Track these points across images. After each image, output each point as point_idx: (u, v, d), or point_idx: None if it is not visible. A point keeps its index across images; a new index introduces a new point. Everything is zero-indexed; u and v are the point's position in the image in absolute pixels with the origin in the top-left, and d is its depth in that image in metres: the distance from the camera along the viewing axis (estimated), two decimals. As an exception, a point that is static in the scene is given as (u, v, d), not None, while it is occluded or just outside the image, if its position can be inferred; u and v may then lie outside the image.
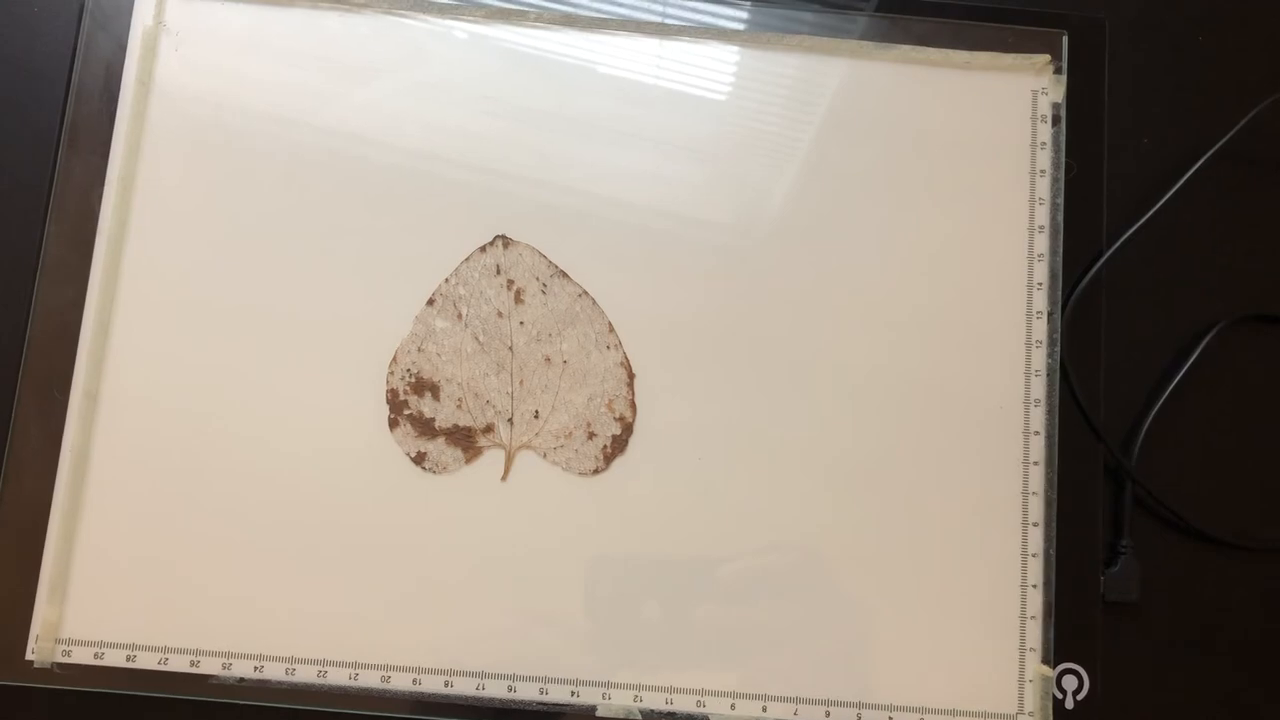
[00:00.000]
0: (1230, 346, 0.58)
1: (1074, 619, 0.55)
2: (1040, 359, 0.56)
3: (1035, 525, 0.55)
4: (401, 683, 0.52)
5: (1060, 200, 0.57)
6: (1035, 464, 0.56)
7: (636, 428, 0.55)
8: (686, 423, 0.55)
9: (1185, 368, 0.57)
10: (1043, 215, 0.57)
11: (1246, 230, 0.59)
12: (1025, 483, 0.56)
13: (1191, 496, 0.56)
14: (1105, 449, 0.56)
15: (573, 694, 0.53)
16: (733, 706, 0.53)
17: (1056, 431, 0.56)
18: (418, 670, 0.52)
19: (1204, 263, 0.59)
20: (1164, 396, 0.57)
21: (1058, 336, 0.56)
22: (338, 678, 0.52)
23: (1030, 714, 0.53)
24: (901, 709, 0.53)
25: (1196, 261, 0.59)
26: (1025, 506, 0.55)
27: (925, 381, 0.56)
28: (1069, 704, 0.54)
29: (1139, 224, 0.57)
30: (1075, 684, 0.54)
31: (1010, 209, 0.57)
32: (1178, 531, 0.57)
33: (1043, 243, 0.57)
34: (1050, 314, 0.56)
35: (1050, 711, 0.53)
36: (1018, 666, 0.54)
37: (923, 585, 0.54)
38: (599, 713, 0.53)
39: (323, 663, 0.52)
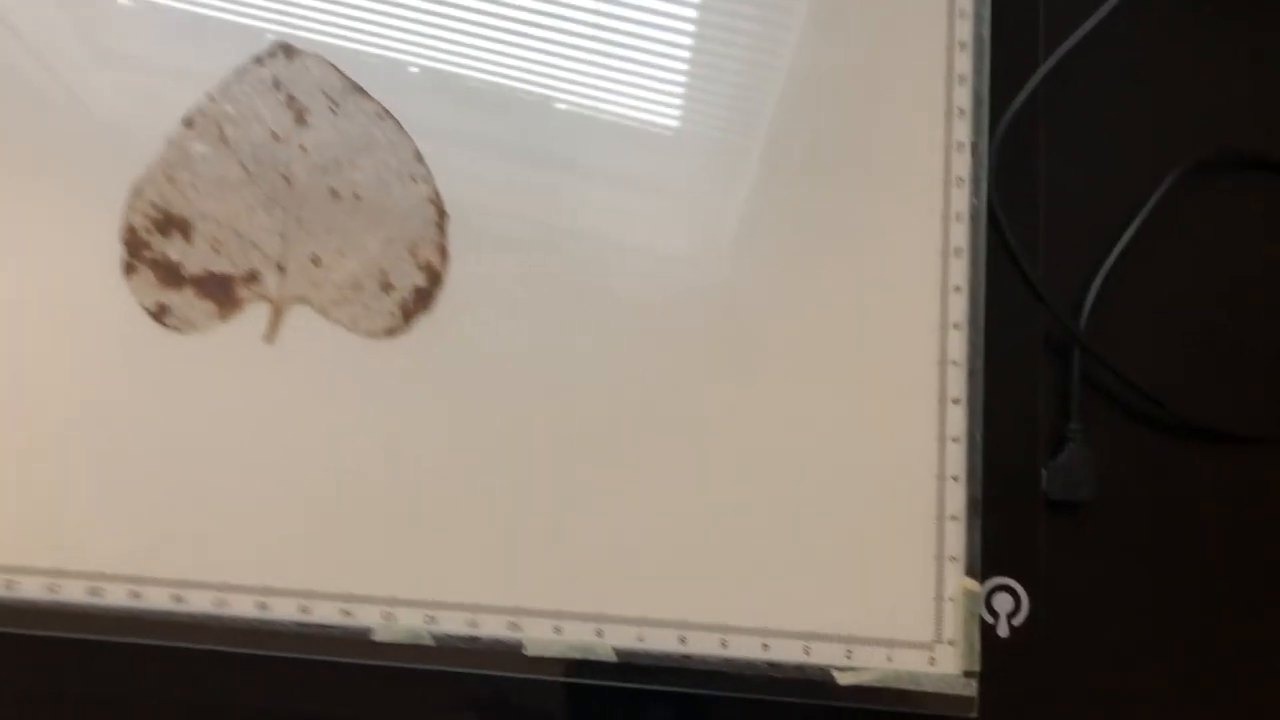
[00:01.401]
0: (1195, 192, 0.48)
1: (1009, 523, 0.43)
2: (962, 199, 0.46)
3: (956, 402, 0.44)
4: (117, 597, 0.41)
5: (986, 11, 0.47)
6: (955, 327, 0.45)
7: (448, 280, 0.44)
8: (513, 275, 0.44)
9: (1140, 218, 0.47)
10: (964, 30, 0.47)
11: (1211, 52, 0.49)
12: (942, 349, 0.45)
13: (1151, 374, 0.45)
14: (1046, 311, 0.45)
15: (344, 613, 0.41)
16: (558, 630, 0.41)
17: (983, 288, 0.45)
18: (137, 581, 0.41)
19: (1163, 91, 0.49)
20: (1115, 252, 0.47)
21: (984, 174, 0.46)
22: (73, 593, 0.41)
23: (951, 642, 0.42)
24: (779, 633, 0.42)
25: (1153, 90, 0.49)
26: (943, 378, 0.44)
27: (821, 223, 0.45)
28: (1002, 629, 0.42)
29: (1080, 35, 0.47)
30: (1010, 605, 0.43)
31: (924, 22, 0.47)
32: (1137, 416, 0.46)
33: (964, 62, 0.47)
34: (974, 145, 0.46)
35: (977, 639, 0.42)
36: (934, 581, 0.43)
37: (816, 476, 0.43)
38: (375, 636, 0.41)
39: (55, 574, 0.41)
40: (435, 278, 0.44)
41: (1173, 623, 0.43)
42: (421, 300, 0.44)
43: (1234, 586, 0.44)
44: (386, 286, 0.44)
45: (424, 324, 0.44)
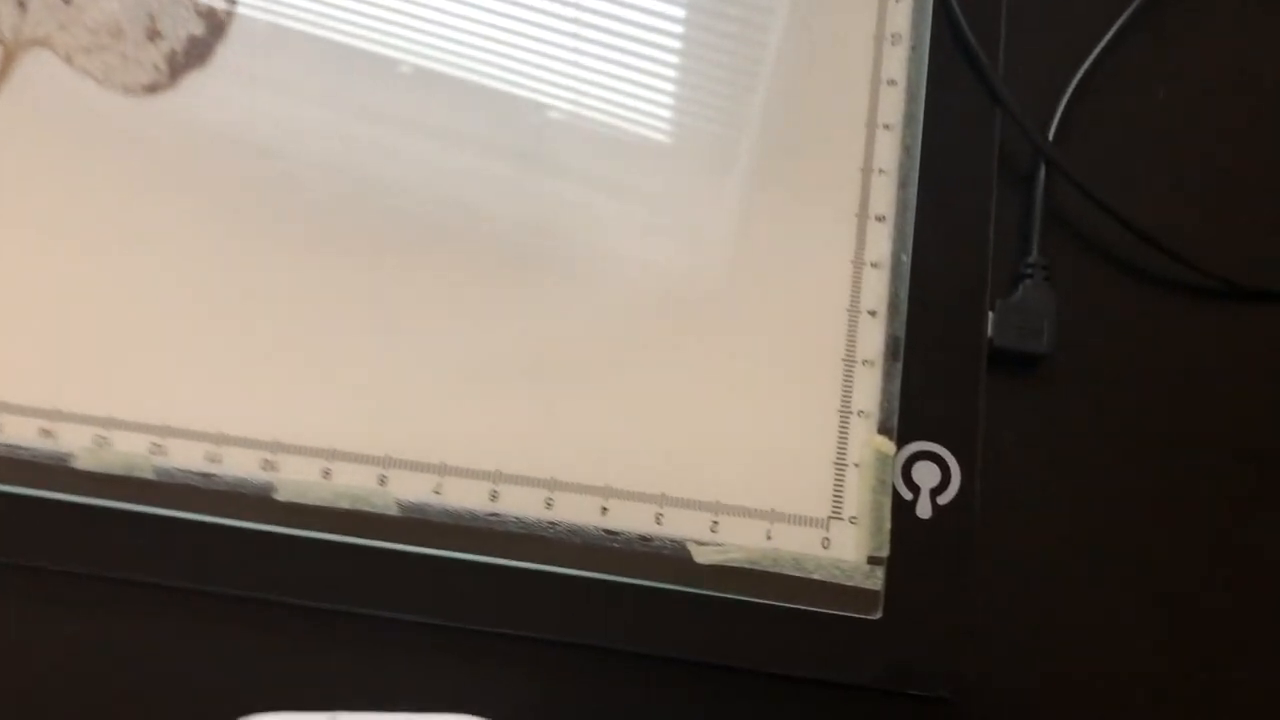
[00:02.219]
0: (1209, -10, 0.38)
1: (941, 374, 0.33)
2: (902, -22, 0.36)
3: (880, 219, 0.35)
4: None
5: None
6: (886, 128, 0.35)
7: (232, 30, 0.35)
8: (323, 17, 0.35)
9: (1126, 15, 0.37)
10: None
11: None
12: (868, 154, 0.35)
13: (1130, 205, 0.35)
14: (1004, 116, 0.36)
15: (44, 433, 0.31)
16: (327, 474, 0.31)
17: (923, 83, 0.36)
18: None
19: None
20: (1092, 57, 0.37)
21: (933, -50, 0.36)
22: None
23: (852, 519, 0.32)
24: (622, 494, 0.32)
25: None
26: (866, 189, 0.35)
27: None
28: (924, 509, 0.32)
29: None
30: (935, 478, 0.32)
31: None
32: (1112, 255, 0.36)
33: None
34: (921, -85, 0.37)
35: (888, 518, 0.32)
36: (834, 440, 0.32)
37: (686, 289, 0.34)
38: (76, 464, 0.31)
39: None
40: (218, 28, 0.35)
41: (1136, 511, 0.33)
42: (196, 54, 0.35)
43: (1215, 468, 0.34)
44: (154, 35, 0.35)
45: (193, 83, 0.35)
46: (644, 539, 0.32)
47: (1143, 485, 0.33)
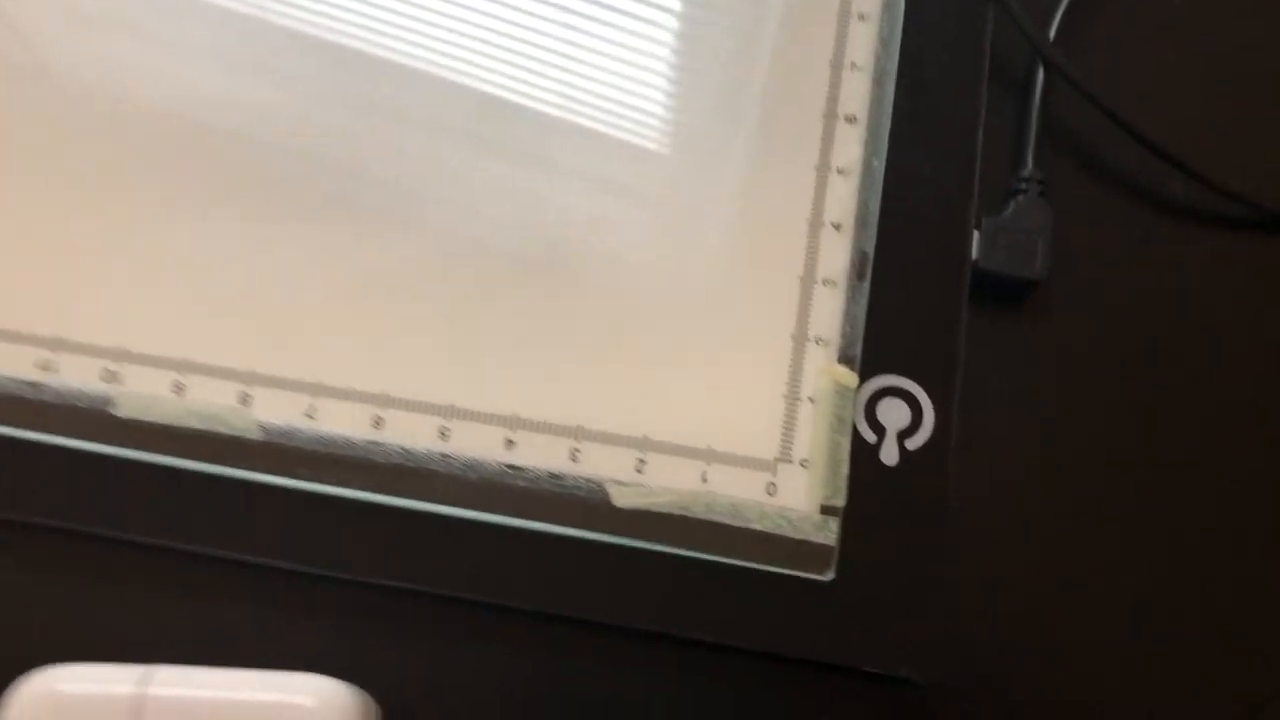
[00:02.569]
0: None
1: (915, 300, 0.28)
2: None
3: (851, 120, 0.30)
4: None
5: None
6: (861, 18, 0.31)
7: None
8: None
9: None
10: None
11: None
12: (839, 46, 0.30)
13: (1140, 113, 0.30)
14: (999, 8, 0.31)
15: None
16: (179, 388, 0.26)
17: (906, -28, 0.31)
18: None
19: None
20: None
21: None
22: None
23: (804, 462, 0.27)
24: (533, 426, 0.27)
25: None
26: (835, 85, 0.30)
27: None
28: (889, 454, 0.27)
29: None
30: (905, 418, 0.27)
31: None
32: (1118, 173, 0.31)
33: None
34: None
35: (845, 461, 0.27)
36: (787, 370, 0.28)
37: (632, 205, 0.29)
38: None
39: None
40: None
41: (1137, 464, 0.28)
42: None
43: (1230, 415, 0.29)
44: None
45: None
46: (555, 477, 0.27)
47: (1146, 434, 0.29)
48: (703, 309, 0.28)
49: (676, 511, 0.26)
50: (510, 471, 0.27)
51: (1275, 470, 0.28)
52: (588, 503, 0.26)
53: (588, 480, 0.26)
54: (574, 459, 0.27)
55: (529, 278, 0.28)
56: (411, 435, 0.27)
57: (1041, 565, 0.27)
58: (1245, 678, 0.27)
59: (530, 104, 0.30)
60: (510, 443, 0.27)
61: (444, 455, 0.27)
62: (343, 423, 0.27)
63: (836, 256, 0.29)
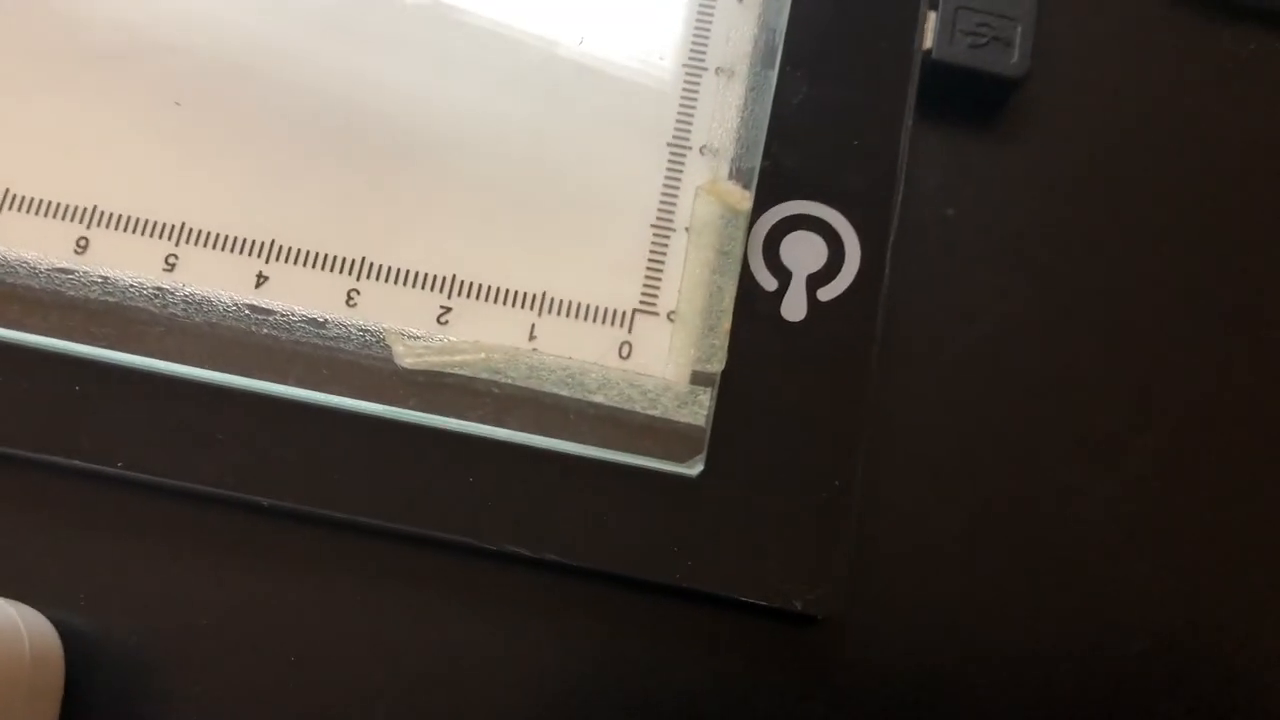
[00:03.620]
0: None
1: (842, 100, 0.21)
2: None
3: None
4: None
5: None
6: None
7: None
8: None
9: None
10: None
11: None
12: None
13: None
14: None
15: None
16: None
17: None
18: None
19: None
20: None
21: None
22: None
23: (671, 314, 0.19)
24: (315, 260, 0.19)
25: None
26: None
27: None
28: (794, 306, 0.20)
29: None
30: (819, 257, 0.20)
31: None
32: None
33: None
34: None
35: (729, 313, 0.19)
36: (659, 189, 0.20)
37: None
38: None
39: None
40: None
41: (1132, 333, 0.21)
42: None
43: (1219, 245, 0.21)
44: None
45: None
46: (315, 325, 0.19)
47: (1146, 294, 0.21)
48: (543, 96, 0.20)
49: (485, 375, 0.19)
50: (251, 314, 0.19)
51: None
52: (360, 362, 0.19)
53: (362, 330, 0.19)
54: (350, 302, 0.19)
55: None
56: (124, 262, 0.19)
57: (987, 464, 0.20)
58: (1158, 609, 0.20)
59: None
60: (261, 278, 0.19)
61: (159, 290, 0.19)
62: (34, 244, 0.19)
63: (734, 37, 0.21)
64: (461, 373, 0.19)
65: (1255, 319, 0.21)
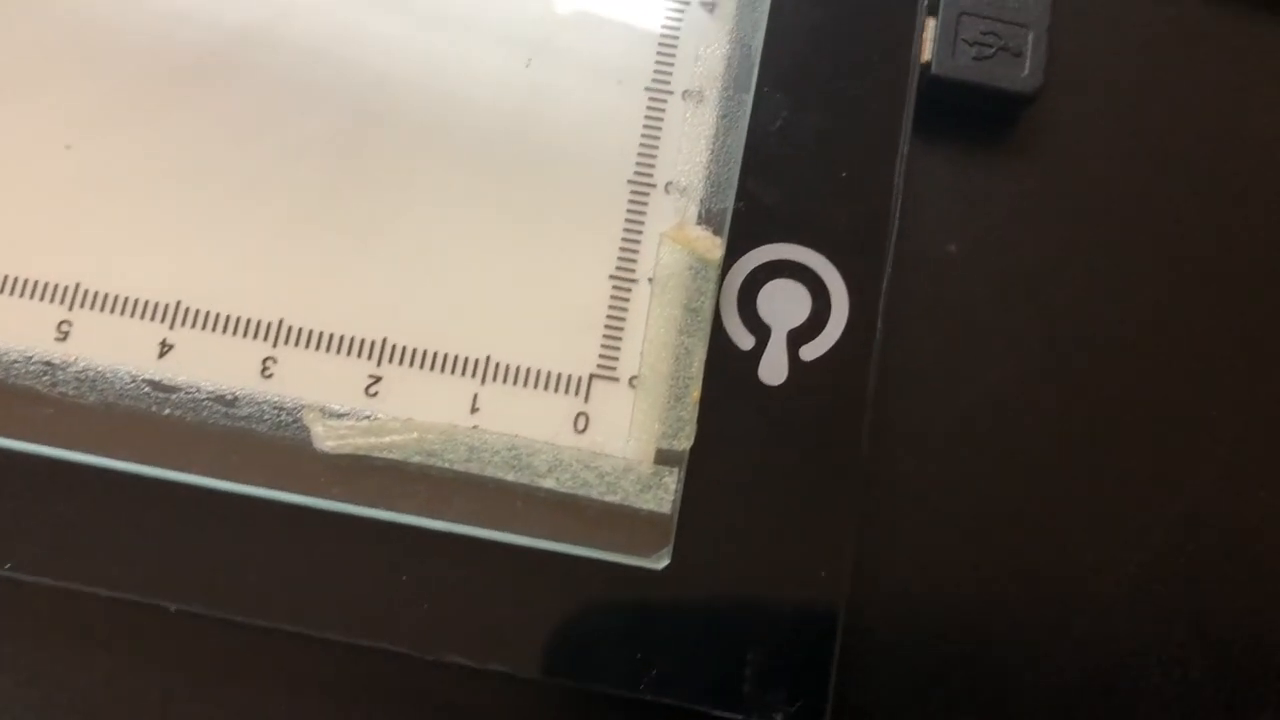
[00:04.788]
0: None
1: (829, 126, 0.18)
2: None
3: None
4: None
5: None
6: None
7: None
8: None
9: None
10: None
11: None
12: None
13: None
14: None
15: None
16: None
17: None
18: None
19: None
20: None
21: None
22: None
23: (633, 380, 0.17)
24: (222, 322, 0.17)
25: None
26: None
27: None
28: (773, 368, 0.17)
29: None
30: (801, 310, 0.17)
31: None
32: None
33: None
34: None
35: (695, 382, 0.17)
36: (619, 235, 0.18)
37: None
38: None
39: None
40: None
41: (1148, 379, 0.18)
42: None
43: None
44: None
45: None
46: (225, 402, 0.17)
47: (1176, 342, 0.19)
48: (485, 128, 0.18)
49: (418, 459, 0.17)
50: (152, 392, 0.17)
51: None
52: (276, 444, 0.17)
53: (277, 408, 0.17)
54: (265, 373, 0.17)
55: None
56: (9, 332, 0.17)
57: (992, 567, 0.18)
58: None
59: None
60: (165, 346, 0.17)
61: (48, 365, 0.17)
62: (-107, 312, 0.17)
63: (706, 53, 0.18)
64: (391, 456, 0.16)
65: (1302, 365, 0.19)
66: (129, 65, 0.18)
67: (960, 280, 0.19)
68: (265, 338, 0.17)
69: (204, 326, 0.17)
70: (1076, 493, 0.18)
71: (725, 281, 0.18)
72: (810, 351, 0.17)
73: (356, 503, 0.16)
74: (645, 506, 0.17)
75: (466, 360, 0.17)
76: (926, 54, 0.19)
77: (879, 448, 0.17)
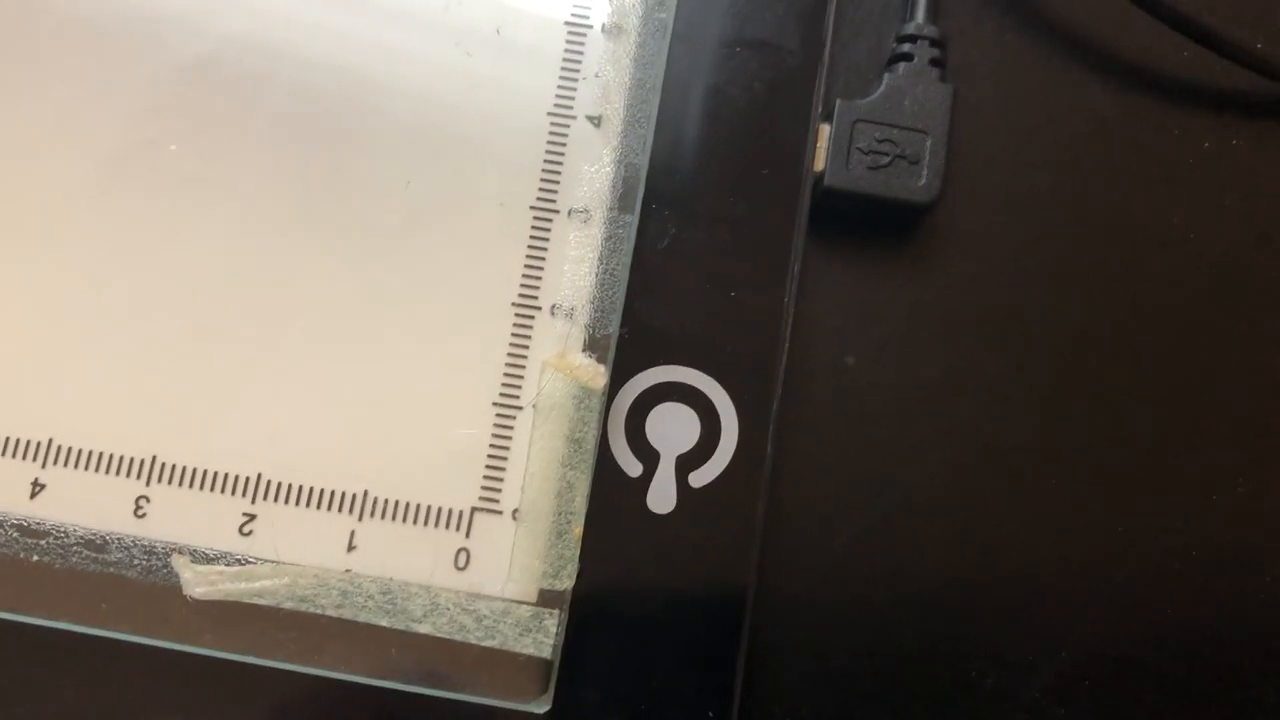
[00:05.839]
0: None
1: (716, 247, 0.18)
2: None
3: (625, -52, 0.19)
4: None
5: None
6: None
7: None
8: None
9: None
10: None
11: None
12: None
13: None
14: None
15: None
16: None
17: None
18: None
19: None
20: None
21: None
22: None
23: (515, 513, 0.17)
24: (95, 461, 0.17)
25: None
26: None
27: None
28: (661, 496, 0.17)
29: None
30: (690, 435, 0.17)
31: None
32: (1054, 25, 0.20)
33: None
34: None
35: (579, 516, 0.17)
36: (503, 360, 0.17)
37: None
38: None
39: None
40: None
41: (1056, 494, 0.18)
42: None
43: (1213, 405, 0.18)
44: None
45: None
46: (95, 547, 0.17)
47: (1081, 457, 0.18)
48: (365, 252, 0.18)
49: (290, 606, 0.16)
50: (20, 538, 0.16)
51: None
52: (146, 589, 0.16)
53: (148, 553, 0.16)
54: (139, 512, 0.17)
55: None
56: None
57: (894, 700, 0.17)
58: None
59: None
60: (37, 486, 0.17)
61: (-80, 518, 0.17)
62: None
63: (591, 171, 0.18)
64: (261, 602, 0.16)
65: (1209, 463, 0.18)
66: None
67: (858, 392, 0.18)
68: (139, 475, 0.17)
69: (77, 465, 0.17)
70: (979, 626, 0.17)
71: (613, 405, 0.17)
72: (699, 478, 0.17)
73: (228, 650, 0.16)
74: (525, 650, 0.16)
75: (343, 496, 0.17)
76: (820, 163, 0.18)
77: (770, 577, 0.17)
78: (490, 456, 0.17)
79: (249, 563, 0.16)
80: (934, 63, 0.19)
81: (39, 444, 0.17)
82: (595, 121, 0.18)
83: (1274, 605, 0.18)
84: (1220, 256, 0.19)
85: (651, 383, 0.17)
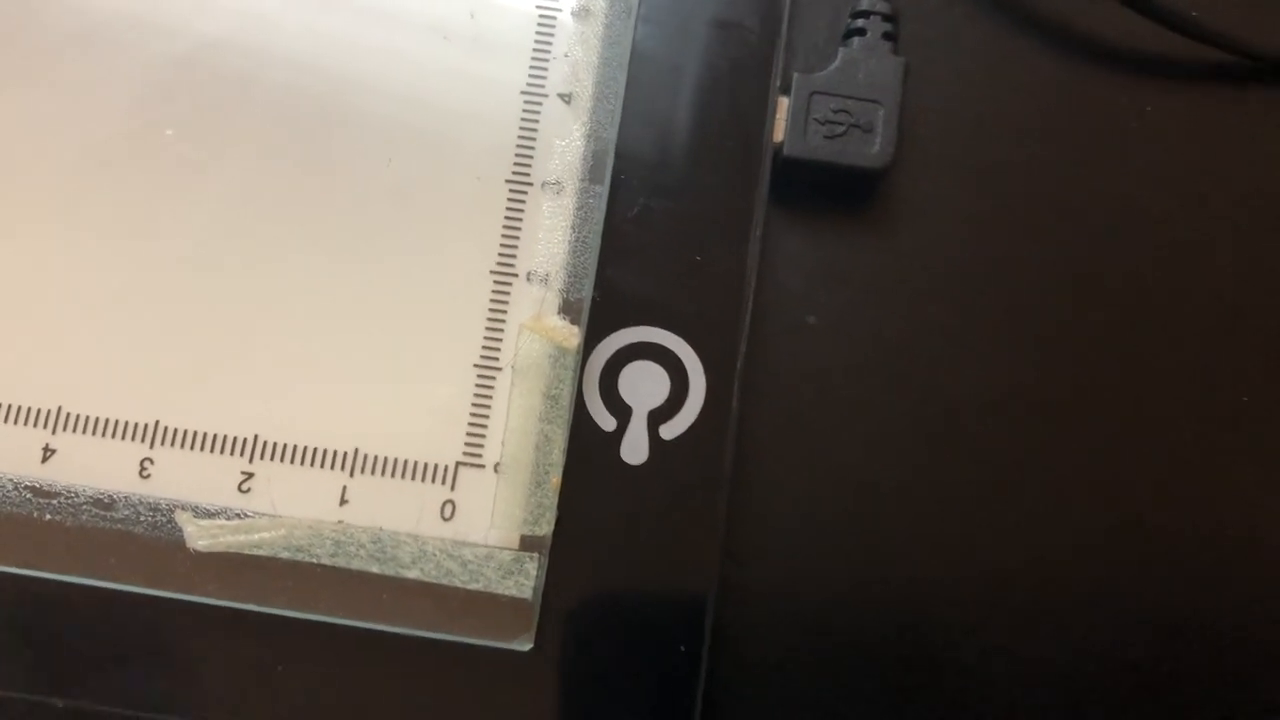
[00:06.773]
0: None
1: (683, 209, 0.19)
2: None
3: (591, -65, 0.20)
4: None
5: None
6: None
7: None
8: None
9: None
10: None
11: None
12: None
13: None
14: None
15: None
16: None
17: None
18: None
19: None
20: None
21: None
22: None
23: (497, 466, 0.18)
24: (103, 426, 0.18)
25: None
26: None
27: None
28: (634, 448, 0.18)
29: None
30: (661, 391, 0.18)
31: None
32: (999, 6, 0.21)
33: None
34: None
35: (556, 467, 0.18)
36: (482, 324, 0.18)
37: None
38: None
39: None
40: None
41: (1011, 445, 0.19)
42: None
43: (1169, 368, 0.20)
44: None
45: None
46: (103, 505, 0.18)
47: (1033, 408, 0.19)
48: (350, 226, 0.19)
49: (285, 555, 0.17)
50: (34, 499, 0.18)
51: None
52: (152, 544, 0.18)
53: (153, 510, 0.18)
54: (143, 473, 0.18)
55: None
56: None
57: (860, 642, 0.18)
58: None
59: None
60: (48, 451, 0.18)
61: (-67, 477, 0.18)
62: None
63: (563, 144, 0.19)
64: (260, 553, 0.17)
65: (1154, 419, 0.19)
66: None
67: (820, 350, 0.19)
68: (143, 439, 0.18)
69: (85, 430, 0.18)
70: (938, 572, 0.19)
71: (587, 365, 0.18)
72: (670, 430, 0.18)
73: (229, 598, 0.17)
74: (507, 592, 0.17)
75: (335, 453, 0.18)
76: (779, 134, 0.20)
77: (737, 522, 0.18)
78: (472, 414, 0.18)
79: (247, 517, 0.18)
80: (886, 36, 0.20)
81: (49, 412, 0.18)
82: (566, 99, 0.19)
83: (1229, 589, 0.19)
84: (1162, 215, 0.20)
85: (623, 343, 0.19)
